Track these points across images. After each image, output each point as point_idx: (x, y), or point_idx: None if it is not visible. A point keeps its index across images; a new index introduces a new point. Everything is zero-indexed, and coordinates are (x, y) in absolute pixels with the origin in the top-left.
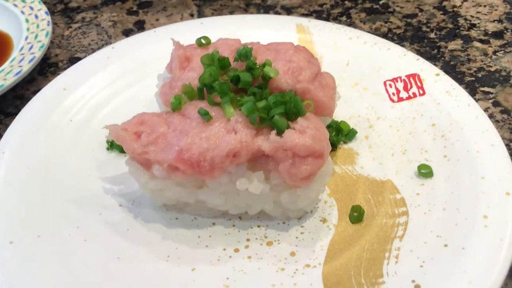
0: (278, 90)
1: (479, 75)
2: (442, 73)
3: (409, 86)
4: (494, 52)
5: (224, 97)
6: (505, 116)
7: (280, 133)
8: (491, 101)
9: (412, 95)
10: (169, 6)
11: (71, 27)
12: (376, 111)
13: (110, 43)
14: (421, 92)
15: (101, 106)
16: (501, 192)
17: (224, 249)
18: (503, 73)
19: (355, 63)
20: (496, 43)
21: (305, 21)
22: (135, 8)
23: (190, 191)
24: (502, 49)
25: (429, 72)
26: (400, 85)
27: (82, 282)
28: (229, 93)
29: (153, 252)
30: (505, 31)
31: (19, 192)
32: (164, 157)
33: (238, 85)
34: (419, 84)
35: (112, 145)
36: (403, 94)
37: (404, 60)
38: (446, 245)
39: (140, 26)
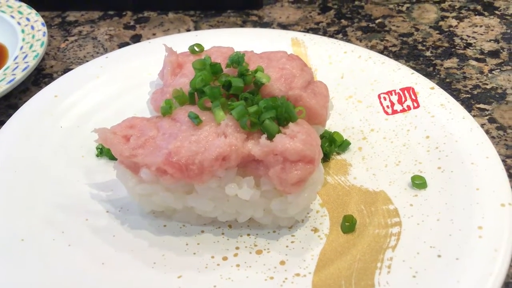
0: (270, 96)
1: (475, 92)
2: (436, 86)
3: (403, 99)
4: (490, 71)
5: (214, 101)
6: (501, 132)
7: (270, 137)
8: (487, 117)
9: (406, 108)
10: (166, 21)
11: (67, 39)
12: (370, 123)
13: (106, 57)
14: (415, 105)
15: (92, 114)
16: (496, 203)
17: (212, 257)
18: (499, 91)
19: (350, 76)
20: (492, 61)
21: (300, 35)
22: (132, 23)
23: (179, 196)
24: (498, 67)
25: (424, 85)
26: (394, 98)
27: (66, 287)
28: (219, 97)
29: (139, 258)
30: (501, 51)
31: (4, 195)
32: (152, 160)
33: (229, 90)
34: (413, 97)
35: (102, 152)
36: (398, 107)
37: (399, 74)
38: (439, 256)
39: (136, 40)
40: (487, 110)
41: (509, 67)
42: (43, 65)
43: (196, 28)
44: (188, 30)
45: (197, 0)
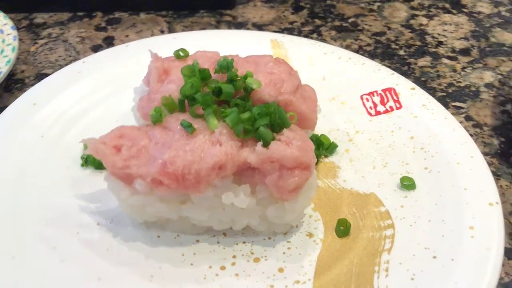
0: (261, 102)
1: (450, 90)
2: (417, 87)
3: (385, 100)
4: (463, 69)
5: (207, 108)
6: (477, 130)
7: (266, 144)
8: (463, 115)
9: (389, 109)
10: (138, 22)
11: (37, 43)
12: (354, 125)
13: (79, 59)
14: (397, 105)
15: (74, 121)
16: (484, 203)
17: (210, 267)
18: (473, 89)
19: (331, 78)
20: (463, 59)
21: (279, 36)
22: (103, 25)
23: (173, 206)
24: (470, 65)
25: (405, 86)
26: (376, 99)
27: None
28: (212, 104)
29: (136, 272)
30: (471, 48)
31: None
32: (147, 171)
33: (220, 97)
34: (395, 97)
35: (87, 161)
36: (380, 108)
37: (379, 75)
38: (435, 257)
39: (109, 42)
40: (463, 108)
41: (480, 65)
42: (14, 70)
43: (170, 29)
44: (162, 31)
45: (169, 1)
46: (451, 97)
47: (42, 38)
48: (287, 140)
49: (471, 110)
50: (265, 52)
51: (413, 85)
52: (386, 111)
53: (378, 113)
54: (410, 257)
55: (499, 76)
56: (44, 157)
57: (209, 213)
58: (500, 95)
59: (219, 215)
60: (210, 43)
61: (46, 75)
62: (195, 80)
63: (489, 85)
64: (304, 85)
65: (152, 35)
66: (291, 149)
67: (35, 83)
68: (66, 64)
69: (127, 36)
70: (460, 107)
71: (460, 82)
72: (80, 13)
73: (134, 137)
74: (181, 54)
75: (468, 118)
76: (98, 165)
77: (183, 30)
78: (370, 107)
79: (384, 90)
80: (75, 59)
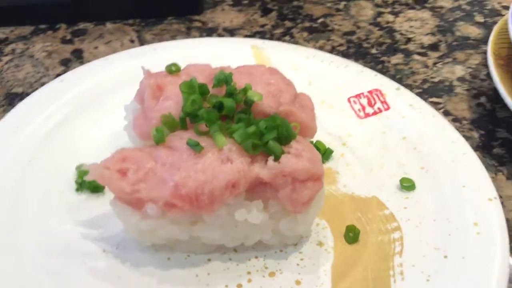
0: (262, 115)
1: (425, 86)
2: (401, 87)
3: (373, 102)
4: (434, 64)
5: (212, 125)
6: (457, 124)
7: (276, 158)
8: (442, 110)
9: (377, 110)
10: (105, 33)
11: (1, 60)
12: (346, 128)
13: (48, 75)
14: (385, 106)
15: (61, 144)
16: (483, 199)
17: (226, 286)
18: (447, 83)
19: (317, 82)
20: (433, 55)
21: (259, 42)
22: (69, 37)
23: (185, 227)
24: (440, 60)
25: (389, 86)
26: (364, 101)
27: None
28: (217, 121)
29: None
30: (439, 43)
31: None
32: (159, 194)
33: (221, 112)
34: (382, 99)
35: (82, 186)
36: (369, 110)
37: (363, 77)
38: (445, 257)
39: (78, 55)
40: (440, 103)
41: (449, 59)
42: None
43: (140, 38)
44: (132, 41)
45: (134, 9)
46: (428, 93)
47: (6, 55)
48: (296, 153)
49: (448, 105)
50: (247, 59)
51: (397, 85)
52: (374, 113)
53: (367, 115)
54: (421, 259)
55: (469, 70)
56: (35, 184)
57: (222, 232)
58: (473, 88)
59: (231, 232)
60: (190, 52)
61: (17, 94)
62: (197, 97)
63: (461, 79)
64: (299, 93)
65: (122, 45)
66: (302, 161)
67: (6, 103)
68: (36, 81)
69: (96, 48)
70: (438, 103)
71: (433, 77)
72: (43, 26)
73: (138, 160)
74: (173, 68)
75: (446, 113)
76: (94, 189)
77: (153, 39)
78: (359, 110)
79: (370, 92)
80: (45, 75)
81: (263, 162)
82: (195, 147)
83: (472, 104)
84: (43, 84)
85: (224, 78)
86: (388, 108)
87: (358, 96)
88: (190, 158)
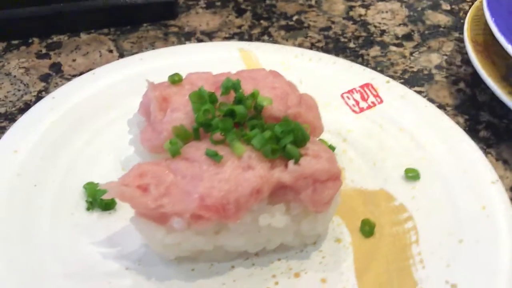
0: (272, 119)
1: (406, 76)
2: (391, 79)
3: (366, 96)
4: (411, 54)
5: (228, 134)
6: (442, 111)
7: (296, 161)
8: (425, 99)
9: (371, 104)
10: (81, 44)
11: None
12: (344, 124)
13: (29, 92)
14: (379, 100)
15: (64, 164)
16: (486, 182)
17: None
18: (426, 72)
19: (308, 80)
20: (409, 45)
21: (245, 45)
22: (44, 51)
23: (210, 237)
24: (416, 49)
25: (380, 80)
26: (357, 96)
27: None
28: (232, 129)
29: None
30: (412, 33)
31: (15, 284)
32: (184, 207)
33: (233, 119)
34: (374, 92)
35: (93, 204)
36: (363, 104)
37: (353, 72)
38: (461, 241)
39: (57, 70)
40: (423, 92)
41: (424, 48)
42: None
43: (117, 47)
44: (110, 51)
45: (107, 18)
46: (410, 83)
47: None
48: (314, 154)
49: (430, 93)
50: (237, 62)
51: (387, 78)
52: (369, 107)
53: (362, 109)
54: (438, 245)
55: (445, 57)
56: (45, 208)
57: (246, 238)
58: (451, 75)
59: (255, 238)
60: (179, 60)
61: (0, 114)
62: (210, 106)
63: (438, 67)
64: (303, 94)
65: (100, 56)
66: (321, 162)
67: None
68: (18, 100)
69: (74, 60)
70: (421, 91)
71: (412, 67)
72: (15, 41)
73: (157, 174)
74: (176, 78)
75: (430, 101)
76: (106, 207)
77: (131, 47)
78: (353, 105)
79: (362, 87)
80: (26, 93)
81: (282, 166)
82: (215, 157)
83: (453, 90)
84: (25, 102)
85: (232, 85)
86: (381, 102)
87: (350, 91)
88: (211, 168)
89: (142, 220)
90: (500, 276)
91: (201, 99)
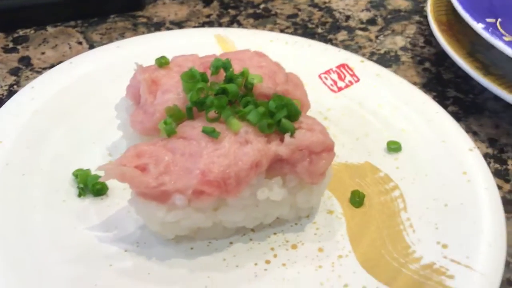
0: (262, 97)
1: (374, 58)
2: (364, 59)
3: (343, 76)
4: (376, 37)
5: (224, 111)
6: None
7: (291, 135)
8: None
9: (349, 83)
10: (49, 37)
11: None
12: (323, 104)
13: (1, 87)
14: (355, 79)
15: (52, 153)
16: (464, 150)
17: (256, 264)
18: (392, 54)
19: (285, 63)
20: (373, 29)
21: (221, 30)
22: (11, 45)
23: (209, 214)
24: (381, 33)
25: (354, 60)
26: (334, 76)
27: None
28: (226, 106)
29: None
30: (375, 18)
31: (16, 275)
32: (186, 184)
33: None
34: (350, 72)
35: (84, 190)
36: (341, 84)
37: (328, 53)
38: (446, 205)
39: (27, 63)
40: None
41: (389, 31)
42: None
43: (87, 39)
44: (79, 43)
45: (73, 10)
46: (378, 64)
47: None
48: (308, 127)
49: (398, 73)
50: (214, 48)
51: (361, 57)
52: (347, 86)
53: (340, 89)
54: (425, 210)
55: (408, 39)
56: (35, 196)
57: (244, 213)
58: (416, 55)
59: (252, 212)
60: (155, 46)
61: None
62: (203, 84)
63: (403, 48)
64: (288, 73)
65: (70, 48)
66: (316, 134)
67: None
68: None
69: (43, 53)
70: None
71: (379, 49)
72: None
73: (154, 154)
74: (163, 61)
75: None
76: (98, 192)
77: (100, 38)
78: (331, 85)
79: (338, 67)
80: None
81: (278, 140)
82: (213, 134)
83: (419, 69)
84: None
85: (222, 64)
86: (358, 80)
87: (327, 72)
88: (209, 145)
89: (141, 200)
90: (484, 233)
91: (193, 78)
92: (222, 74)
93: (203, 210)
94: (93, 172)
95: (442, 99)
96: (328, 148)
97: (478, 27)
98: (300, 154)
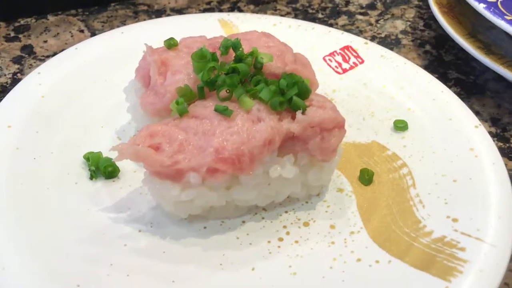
0: (271, 76)
1: (375, 42)
2: (369, 41)
3: (347, 58)
4: (377, 21)
5: (236, 89)
6: None
7: (303, 112)
8: None
9: (353, 65)
10: (50, 26)
11: None
12: (329, 85)
13: (4, 75)
14: (360, 60)
15: (61, 137)
16: (470, 127)
17: (269, 242)
18: (393, 37)
19: (290, 46)
20: (373, 13)
21: (225, 15)
22: (12, 34)
23: (222, 193)
24: (381, 17)
25: (358, 42)
26: (339, 58)
27: None
28: (238, 85)
29: (204, 266)
30: (375, 2)
31: (32, 255)
32: (200, 162)
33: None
34: (354, 54)
35: (96, 173)
36: (345, 66)
37: (332, 36)
38: (455, 180)
39: (29, 51)
40: None
41: (388, 16)
42: None
43: (88, 27)
44: (81, 31)
45: None
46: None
47: None
48: (319, 104)
49: (400, 55)
50: (217, 32)
51: (365, 40)
52: (351, 67)
53: (345, 70)
54: (434, 186)
55: (408, 23)
56: (47, 179)
57: (257, 191)
58: (416, 39)
59: (265, 190)
60: (160, 31)
61: None
62: (215, 63)
63: (404, 32)
64: (296, 53)
65: (72, 36)
66: (327, 111)
67: None
68: None
69: (45, 41)
70: None
71: (380, 33)
72: None
73: (167, 133)
74: (172, 43)
75: None
76: (109, 174)
77: (102, 26)
78: (336, 67)
79: (342, 49)
80: (0, 76)
81: (289, 118)
82: (225, 112)
83: (420, 52)
84: (1, 84)
85: (232, 44)
86: (362, 62)
87: (332, 54)
88: (222, 123)
89: (155, 179)
90: (493, 207)
91: (204, 58)
92: (231, 55)
93: (216, 189)
94: (104, 155)
95: (444, 81)
96: (339, 125)
97: (480, 7)
98: (311, 131)
